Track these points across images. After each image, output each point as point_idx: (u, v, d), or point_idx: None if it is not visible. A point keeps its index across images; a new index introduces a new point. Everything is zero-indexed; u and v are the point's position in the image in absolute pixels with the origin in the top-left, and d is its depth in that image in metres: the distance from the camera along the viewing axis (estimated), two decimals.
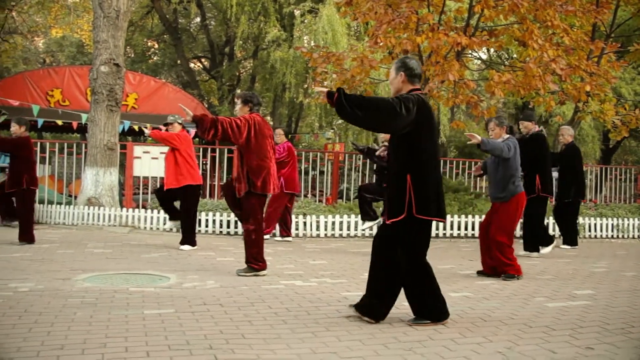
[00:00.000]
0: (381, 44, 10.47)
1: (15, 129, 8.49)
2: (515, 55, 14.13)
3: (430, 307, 4.55)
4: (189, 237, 8.51)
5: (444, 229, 11.11)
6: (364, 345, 3.98)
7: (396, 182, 4.45)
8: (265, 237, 9.45)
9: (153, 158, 12.02)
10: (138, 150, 12.18)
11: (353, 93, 4.53)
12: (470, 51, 12.80)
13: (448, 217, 11.07)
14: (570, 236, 9.91)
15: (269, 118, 29.07)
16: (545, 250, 8.67)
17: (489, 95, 15.80)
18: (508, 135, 6.95)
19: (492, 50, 19.13)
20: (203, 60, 28.96)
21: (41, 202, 11.98)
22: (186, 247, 8.43)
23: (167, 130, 8.69)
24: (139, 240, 9.33)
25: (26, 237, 8.45)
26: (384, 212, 4.93)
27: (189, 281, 6.05)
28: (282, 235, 9.99)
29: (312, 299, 5.37)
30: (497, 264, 6.72)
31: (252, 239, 6.47)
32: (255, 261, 6.47)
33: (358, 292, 5.73)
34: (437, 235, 11.07)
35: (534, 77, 9.81)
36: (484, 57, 20.04)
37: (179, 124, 8.67)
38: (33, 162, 8.67)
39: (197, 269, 6.85)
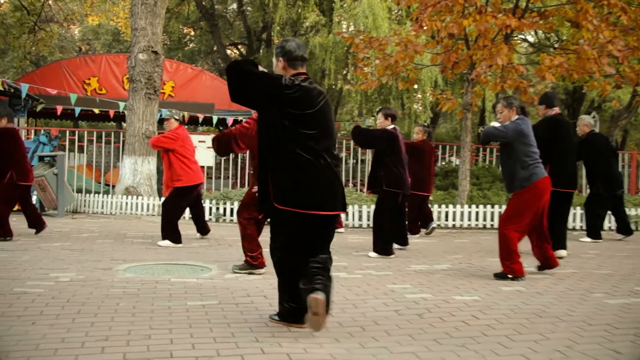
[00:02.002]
0: (425, 27, 10.31)
1: None
2: (566, 37, 13.78)
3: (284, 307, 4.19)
4: (168, 234, 7.89)
5: (492, 220, 10.92)
6: (414, 340, 3.92)
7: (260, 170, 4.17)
8: None
9: (209, 147, 12.09)
10: (193, 139, 12.14)
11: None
12: (517, 34, 12.54)
13: (497, 207, 10.89)
14: (594, 229, 9.55)
15: None
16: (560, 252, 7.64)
17: (538, 80, 15.46)
18: (517, 117, 6.24)
19: (540, 32, 18.71)
20: (240, 47, 29.08)
21: (79, 191, 12.22)
22: (165, 242, 7.84)
23: (164, 125, 8.28)
24: None
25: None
26: None
27: (231, 272, 6.06)
28: None
29: (357, 292, 5.32)
30: (537, 256, 6.47)
31: (247, 233, 6.03)
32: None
33: (404, 284, 5.69)
34: (484, 227, 10.93)
35: (588, 60, 9.53)
36: (531, 39, 19.63)
37: (176, 119, 8.09)
38: (21, 155, 8.12)
39: (239, 259, 6.85)
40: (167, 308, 4.54)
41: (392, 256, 7.30)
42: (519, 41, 14.14)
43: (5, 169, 7.87)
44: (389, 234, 7.42)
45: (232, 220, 10.80)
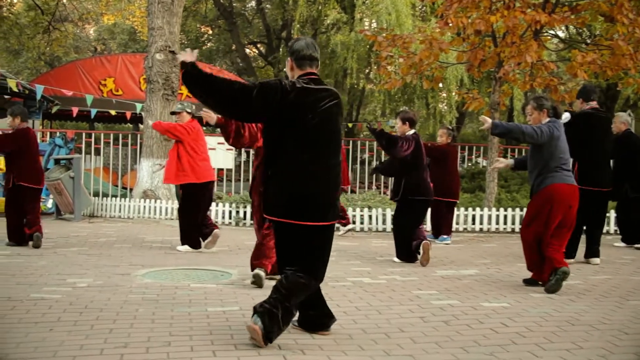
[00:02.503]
0: (451, 24, 10.29)
1: (9, 121, 7.90)
2: (599, 32, 13.65)
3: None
4: (188, 238, 7.79)
5: (521, 223, 10.83)
6: (441, 348, 3.92)
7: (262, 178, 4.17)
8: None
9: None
10: (212, 141, 12.23)
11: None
12: (547, 30, 12.45)
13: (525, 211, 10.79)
14: (628, 233, 9.40)
15: None
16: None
17: (569, 77, 15.35)
18: (549, 120, 6.01)
19: (571, 27, 18.56)
20: (259, 45, 29.23)
21: (95, 194, 12.37)
22: (184, 247, 7.77)
23: (176, 121, 8.08)
24: None
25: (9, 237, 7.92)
26: None
27: (251, 277, 6.10)
28: (345, 225, 9.88)
29: (382, 298, 5.34)
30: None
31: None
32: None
33: (430, 290, 5.69)
34: (513, 231, 10.86)
35: (623, 56, 9.44)
36: (562, 35, 19.45)
37: (188, 112, 7.92)
38: (30, 156, 7.88)
39: None
40: (187, 314, 4.59)
41: (417, 262, 7.24)
42: (549, 37, 13.99)
43: (12, 170, 7.83)
44: (409, 241, 7.28)
45: (251, 224, 10.84)
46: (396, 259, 7.38)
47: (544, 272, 5.87)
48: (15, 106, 8.36)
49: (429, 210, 8.76)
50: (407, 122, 7.39)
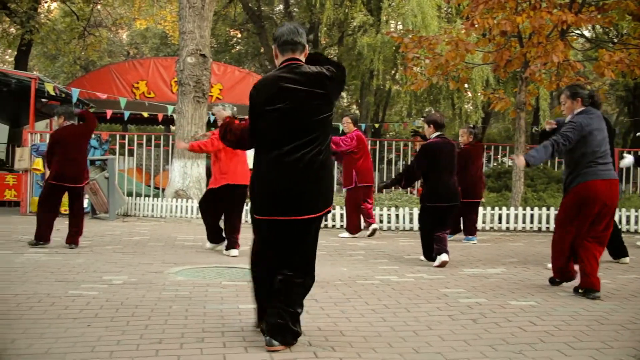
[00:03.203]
0: (477, 25, 10.20)
1: (56, 120, 8.00)
2: (626, 31, 13.42)
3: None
4: (232, 240, 7.46)
5: (547, 222, 10.72)
6: (469, 345, 3.89)
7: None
8: (354, 235, 9.46)
9: None
10: None
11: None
12: (574, 29, 12.28)
13: (552, 210, 10.67)
14: None
15: (354, 107, 29.10)
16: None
17: (595, 77, 15.12)
18: (581, 109, 5.57)
19: (597, 27, 18.28)
20: None
21: (129, 194, 12.51)
22: (234, 251, 7.40)
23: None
24: None
25: (37, 235, 7.68)
26: None
27: None
28: (370, 224, 9.69)
29: (410, 296, 5.31)
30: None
31: None
32: None
33: (458, 289, 5.65)
34: (539, 230, 10.75)
35: None
36: (588, 35, 19.16)
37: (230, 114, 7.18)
38: (63, 154, 7.68)
39: None
40: (219, 311, 4.61)
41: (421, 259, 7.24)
42: (575, 37, 13.81)
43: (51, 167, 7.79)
44: (430, 242, 7.10)
45: None
46: (422, 258, 7.31)
47: (570, 271, 5.65)
48: (60, 106, 8.38)
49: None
50: (431, 125, 7.18)
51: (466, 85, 17.05)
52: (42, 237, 7.64)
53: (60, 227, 8.29)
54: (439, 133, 7.21)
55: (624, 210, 10.93)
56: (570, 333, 4.22)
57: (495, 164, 15.38)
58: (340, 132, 10.18)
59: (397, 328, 4.26)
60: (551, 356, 3.71)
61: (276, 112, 3.73)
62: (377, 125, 20.52)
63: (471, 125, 9.76)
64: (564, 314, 4.72)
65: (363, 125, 17.62)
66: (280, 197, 3.74)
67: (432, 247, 7.08)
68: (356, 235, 9.47)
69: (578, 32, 14.41)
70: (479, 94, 17.34)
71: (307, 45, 3.92)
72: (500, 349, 3.83)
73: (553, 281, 5.90)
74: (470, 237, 9.25)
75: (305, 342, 3.83)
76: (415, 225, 10.52)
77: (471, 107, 21.03)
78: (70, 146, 7.74)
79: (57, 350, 3.59)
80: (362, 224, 9.68)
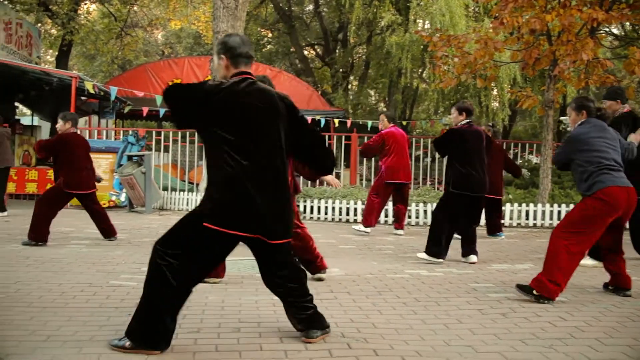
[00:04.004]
0: (506, 23, 10.07)
1: (60, 124, 7.69)
2: None
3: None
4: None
5: None
6: (500, 340, 3.85)
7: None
8: (366, 229, 9.10)
9: None
10: None
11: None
12: (603, 27, 12.07)
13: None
14: None
15: (382, 105, 28.98)
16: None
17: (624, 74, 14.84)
18: (582, 121, 5.28)
19: (627, 24, 17.92)
20: (316, 47, 29.28)
21: (164, 189, 12.64)
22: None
23: None
24: None
25: (33, 235, 7.30)
26: None
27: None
28: (396, 228, 9.47)
29: (440, 290, 5.28)
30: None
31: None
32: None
33: (487, 283, 5.61)
34: None
35: None
36: (617, 32, 18.81)
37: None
38: (71, 162, 7.49)
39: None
40: (254, 302, 4.64)
41: (441, 260, 6.65)
42: (605, 34, 13.56)
43: (59, 173, 7.58)
44: (441, 236, 6.63)
45: (311, 217, 10.93)
46: (420, 255, 6.73)
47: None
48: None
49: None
50: (463, 112, 6.79)
51: (493, 83, 16.88)
52: (42, 237, 7.31)
53: (123, 222, 8.39)
54: (468, 120, 6.86)
55: None
56: (600, 329, 4.15)
57: (521, 161, 15.20)
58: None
59: (428, 321, 4.24)
60: (582, 351, 3.65)
61: (247, 121, 3.51)
62: (404, 123, 20.39)
63: (490, 124, 9.63)
64: (594, 310, 4.65)
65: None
66: (233, 208, 3.50)
67: (441, 242, 6.60)
68: (368, 230, 9.13)
69: (607, 29, 14.16)
70: (506, 91, 17.14)
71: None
72: (530, 343, 3.79)
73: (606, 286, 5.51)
74: (499, 232, 9.15)
75: (339, 333, 3.84)
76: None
77: (497, 105, 20.80)
78: (82, 156, 7.65)
79: (100, 338, 3.65)
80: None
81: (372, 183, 9.18)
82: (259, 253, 3.69)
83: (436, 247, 6.61)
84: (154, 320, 3.41)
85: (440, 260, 6.64)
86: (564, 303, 4.87)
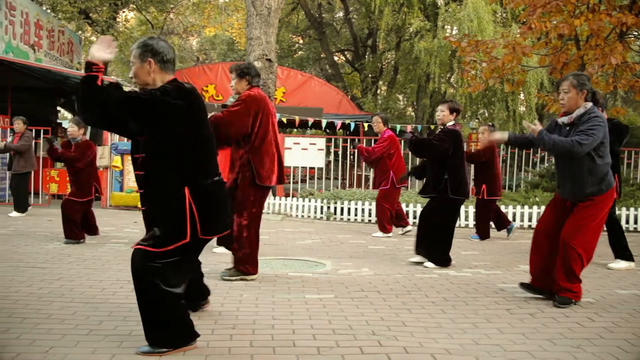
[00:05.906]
0: (534, 28, 9.95)
1: (74, 129, 7.51)
2: None
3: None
4: None
5: None
6: (528, 339, 3.82)
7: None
8: (388, 234, 8.91)
9: (303, 149, 12.38)
10: (288, 141, 12.54)
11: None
12: (633, 31, 11.86)
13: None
14: None
15: (410, 110, 28.86)
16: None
17: None
18: (590, 106, 4.62)
19: None
20: (346, 53, 29.31)
21: None
22: None
23: None
24: (292, 228, 9.64)
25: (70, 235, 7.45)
26: None
27: (344, 268, 6.15)
28: (404, 226, 9.24)
29: (468, 290, 5.25)
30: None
31: (244, 237, 5.36)
32: (244, 264, 5.39)
33: (514, 283, 5.54)
34: None
35: None
36: None
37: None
38: (81, 170, 7.52)
39: (351, 256, 6.95)
40: (287, 300, 4.67)
41: (453, 265, 6.42)
42: (633, 38, 13.33)
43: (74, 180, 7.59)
44: (447, 245, 6.40)
45: (342, 218, 10.93)
46: (429, 264, 6.34)
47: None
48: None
49: (474, 209, 8.37)
50: (454, 113, 6.36)
51: (520, 88, 16.69)
52: (78, 235, 7.47)
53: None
54: (455, 122, 6.45)
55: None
56: (629, 330, 4.09)
57: (547, 165, 14.99)
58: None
59: (457, 320, 4.22)
60: (611, 352, 3.61)
61: (197, 125, 3.60)
62: (432, 127, 20.29)
63: (491, 124, 9.50)
64: (623, 311, 4.58)
65: (419, 127, 17.51)
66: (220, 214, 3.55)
67: (447, 252, 6.39)
68: (390, 235, 8.94)
69: (636, 33, 13.90)
70: (533, 96, 16.94)
71: None
72: (559, 343, 3.75)
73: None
74: (510, 224, 9.10)
75: (370, 331, 3.84)
76: (470, 222, 10.31)
77: (524, 109, 20.57)
78: (93, 163, 7.75)
79: (139, 332, 3.70)
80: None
81: (379, 190, 8.91)
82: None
83: (444, 257, 6.38)
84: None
85: (452, 265, 6.43)
86: (591, 304, 4.81)
